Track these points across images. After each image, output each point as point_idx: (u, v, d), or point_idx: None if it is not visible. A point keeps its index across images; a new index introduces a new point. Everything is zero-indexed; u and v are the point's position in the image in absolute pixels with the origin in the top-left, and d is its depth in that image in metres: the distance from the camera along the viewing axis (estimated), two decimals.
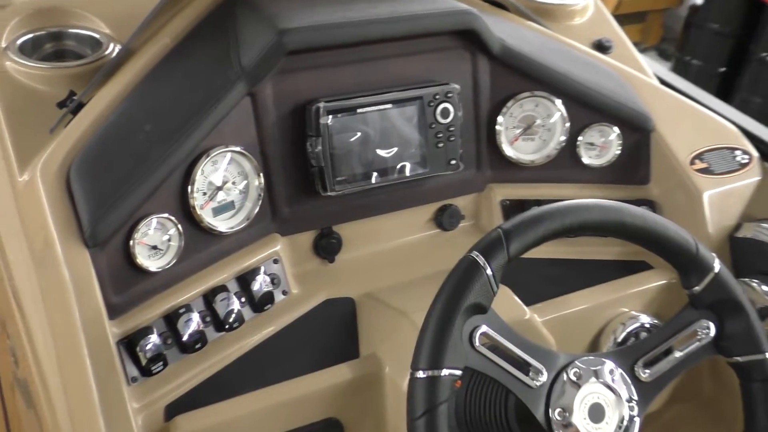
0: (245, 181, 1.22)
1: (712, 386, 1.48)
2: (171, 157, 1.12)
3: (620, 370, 1.01)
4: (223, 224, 1.21)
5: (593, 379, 0.98)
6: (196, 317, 1.15)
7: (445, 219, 1.42)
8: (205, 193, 1.19)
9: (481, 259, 0.92)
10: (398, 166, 1.31)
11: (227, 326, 1.17)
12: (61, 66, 1.28)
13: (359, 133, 1.26)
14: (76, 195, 1.10)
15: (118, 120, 1.17)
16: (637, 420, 1.00)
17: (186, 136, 1.13)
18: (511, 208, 1.44)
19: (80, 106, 1.21)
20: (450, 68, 1.34)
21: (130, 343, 1.10)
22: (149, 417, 1.09)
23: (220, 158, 1.19)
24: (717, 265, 1.03)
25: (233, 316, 1.18)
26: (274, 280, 1.25)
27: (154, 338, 1.11)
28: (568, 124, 1.43)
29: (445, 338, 0.89)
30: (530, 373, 0.96)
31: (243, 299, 1.21)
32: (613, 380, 0.99)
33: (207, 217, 1.19)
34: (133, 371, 1.10)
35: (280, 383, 1.15)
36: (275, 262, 1.26)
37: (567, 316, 1.32)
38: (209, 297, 1.18)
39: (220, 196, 1.20)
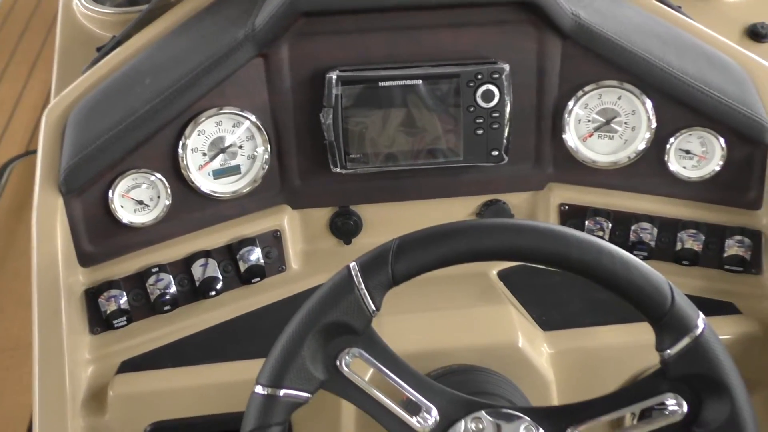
0: (254, 147, 1.16)
1: None
2: (159, 113, 1.09)
3: None
4: (222, 188, 1.16)
5: None
6: (169, 278, 1.13)
7: (488, 216, 1.25)
8: (204, 154, 1.15)
9: (356, 274, 0.79)
10: (425, 151, 1.17)
11: (202, 293, 1.14)
12: (109, 12, 1.30)
13: (379, 109, 1.14)
14: (65, 141, 1.12)
15: (127, 72, 1.17)
16: None
17: (178, 94, 1.09)
18: (571, 214, 1.24)
19: (110, 51, 1.22)
20: (506, 46, 1.17)
21: (95, 294, 1.10)
22: (101, 370, 1.09)
23: (225, 119, 1.14)
24: (699, 328, 0.79)
25: (212, 283, 1.14)
26: (269, 254, 1.19)
27: (119, 292, 1.11)
28: (654, 125, 1.18)
29: (290, 356, 0.78)
30: (419, 414, 0.82)
31: (229, 269, 1.16)
32: None
33: (202, 178, 1.15)
34: (96, 322, 1.11)
35: (240, 361, 1.09)
36: (275, 235, 1.19)
37: (591, 352, 1.11)
38: (190, 261, 1.15)
39: (223, 158, 1.16)
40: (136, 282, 1.13)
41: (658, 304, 0.79)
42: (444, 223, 0.81)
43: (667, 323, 0.79)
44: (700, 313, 0.80)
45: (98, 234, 1.11)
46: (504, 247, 0.79)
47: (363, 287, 0.79)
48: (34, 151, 1.13)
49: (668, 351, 0.80)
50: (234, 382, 1.06)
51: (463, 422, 0.82)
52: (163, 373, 1.08)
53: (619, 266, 0.78)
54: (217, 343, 1.12)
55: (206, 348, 1.12)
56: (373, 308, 0.79)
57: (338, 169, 1.16)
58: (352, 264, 0.80)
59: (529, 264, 1.18)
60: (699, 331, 0.79)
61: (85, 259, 1.11)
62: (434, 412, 0.82)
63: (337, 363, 0.80)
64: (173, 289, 1.13)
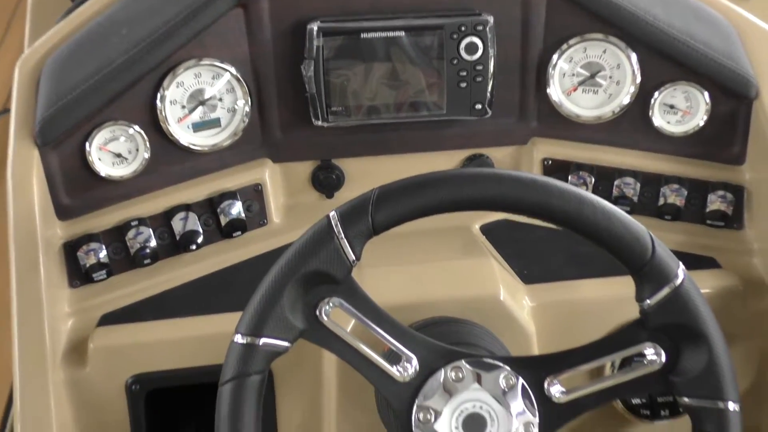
0: (234, 100, 1.15)
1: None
2: (136, 64, 1.07)
3: (522, 382, 0.82)
4: (202, 141, 1.15)
5: (475, 385, 0.81)
6: (149, 232, 1.12)
7: None
8: (183, 107, 1.13)
9: (336, 223, 0.78)
10: (408, 104, 1.16)
11: (182, 247, 1.13)
12: None
13: (361, 61, 1.13)
14: (39, 92, 1.10)
15: (103, 22, 1.14)
16: None
17: (156, 44, 1.07)
18: (554, 169, 1.23)
19: (85, 1, 1.19)
20: None
21: (73, 247, 1.09)
22: (81, 323, 1.08)
23: (204, 71, 1.12)
24: (679, 278, 0.79)
25: (192, 237, 1.13)
26: (250, 208, 1.18)
27: (98, 246, 1.09)
28: (639, 79, 1.18)
29: (270, 305, 0.77)
30: (400, 364, 0.82)
31: (210, 223, 1.15)
32: (505, 391, 0.82)
33: (181, 131, 1.14)
34: (75, 276, 1.10)
35: (221, 314, 1.09)
36: (256, 189, 1.18)
37: (573, 305, 1.12)
38: (170, 214, 1.13)
39: (202, 111, 1.14)
40: (116, 235, 1.11)
41: (639, 255, 0.79)
42: (425, 172, 0.81)
43: (647, 273, 0.79)
44: (680, 264, 0.81)
45: (76, 187, 1.10)
46: (484, 197, 0.78)
47: (343, 236, 0.78)
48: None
49: (648, 301, 0.80)
50: (215, 334, 1.06)
51: (442, 371, 0.82)
52: (144, 325, 1.07)
53: (601, 216, 0.78)
54: (198, 297, 1.12)
55: (187, 301, 1.11)
56: (353, 258, 0.79)
57: (320, 122, 1.15)
58: (332, 213, 0.79)
59: (510, 217, 1.19)
60: (679, 281, 0.79)
61: (63, 212, 1.10)
62: (414, 361, 0.82)
63: (317, 312, 0.80)
64: (153, 242, 1.12)
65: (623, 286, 1.09)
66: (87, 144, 1.09)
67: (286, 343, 0.79)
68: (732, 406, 0.79)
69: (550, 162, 1.23)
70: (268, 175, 1.19)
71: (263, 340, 0.78)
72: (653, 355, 0.81)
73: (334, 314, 0.81)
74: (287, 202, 1.22)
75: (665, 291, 0.79)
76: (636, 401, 1.13)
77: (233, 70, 1.12)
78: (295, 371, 1.08)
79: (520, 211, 0.79)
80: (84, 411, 1.05)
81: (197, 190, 1.15)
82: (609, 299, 1.10)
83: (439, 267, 1.09)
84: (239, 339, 0.78)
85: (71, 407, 1.05)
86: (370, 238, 0.80)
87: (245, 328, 0.78)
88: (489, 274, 1.07)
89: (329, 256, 0.78)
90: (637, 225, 0.79)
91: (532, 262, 1.15)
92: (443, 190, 0.78)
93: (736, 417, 0.79)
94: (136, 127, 1.10)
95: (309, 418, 1.10)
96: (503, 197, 0.78)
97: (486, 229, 1.20)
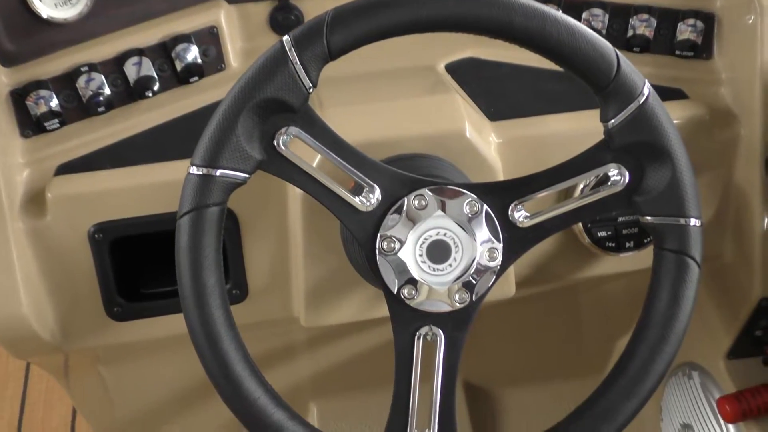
0: None
1: (734, 250, 1.21)
2: None
3: (486, 208, 0.81)
4: None
5: (439, 212, 0.80)
6: (101, 78, 1.07)
7: None
8: None
9: (290, 48, 0.74)
10: None
11: (138, 94, 1.09)
12: None
13: None
14: None
15: None
16: (495, 267, 0.82)
17: None
18: None
19: None
20: None
21: (21, 95, 1.05)
22: (37, 173, 1.06)
23: None
24: (645, 95, 0.78)
25: (147, 83, 1.08)
26: (207, 52, 1.13)
27: (48, 93, 1.05)
28: None
29: (224, 135, 0.75)
30: (362, 194, 0.80)
31: (165, 68, 1.11)
32: (469, 218, 0.81)
33: None
34: (27, 125, 1.06)
35: (182, 160, 1.06)
36: (212, 32, 1.13)
37: (539, 140, 1.10)
38: (122, 60, 1.09)
39: None
40: (66, 82, 1.07)
41: (604, 72, 0.77)
42: None
43: (612, 91, 0.77)
44: (646, 81, 0.79)
45: (18, 30, 1.04)
46: (444, 15, 0.74)
47: (297, 61, 0.74)
48: None
49: (612, 121, 0.79)
50: (177, 180, 1.02)
51: (405, 200, 0.81)
52: (102, 174, 1.05)
53: (565, 33, 0.75)
54: (157, 145, 1.09)
55: (146, 150, 1.08)
56: (309, 84, 0.76)
57: None
58: (285, 37, 0.75)
59: (475, 54, 1.16)
60: (644, 98, 0.77)
61: (6, 58, 1.04)
62: (377, 191, 0.80)
63: (275, 143, 0.78)
64: (107, 89, 1.08)
65: (590, 120, 1.09)
66: None
67: (243, 174, 0.77)
68: (694, 221, 0.79)
69: None
70: (224, 17, 1.13)
71: (220, 171, 0.76)
72: (617, 175, 0.81)
73: (294, 146, 0.79)
74: (245, 47, 1.17)
75: (630, 108, 0.77)
76: (601, 234, 1.14)
77: None
78: (261, 215, 1.07)
79: (481, 30, 0.76)
80: (48, 260, 1.04)
81: (149, 34, 1.10)
82: (575, 132, 1.09)
83: (403, 104, 1.06)
84: (195, 171, 0.76)
85: (35, 257, 1.03)
86: (326, 63, 0.76)
87: (200, 159, 0.76)
88: (454, 110, 1.04)
89: (284, 82, 0.75)
90: (603, 41, 0.77)
91: (498, 99, 1.13)
92: (402, 10, 0.74)
93: (698, 233, 0.79)
94: None
95: (276, 262, 1.10)
96: (464, 16, 0.74)
97: (451, 68, 1.17)
